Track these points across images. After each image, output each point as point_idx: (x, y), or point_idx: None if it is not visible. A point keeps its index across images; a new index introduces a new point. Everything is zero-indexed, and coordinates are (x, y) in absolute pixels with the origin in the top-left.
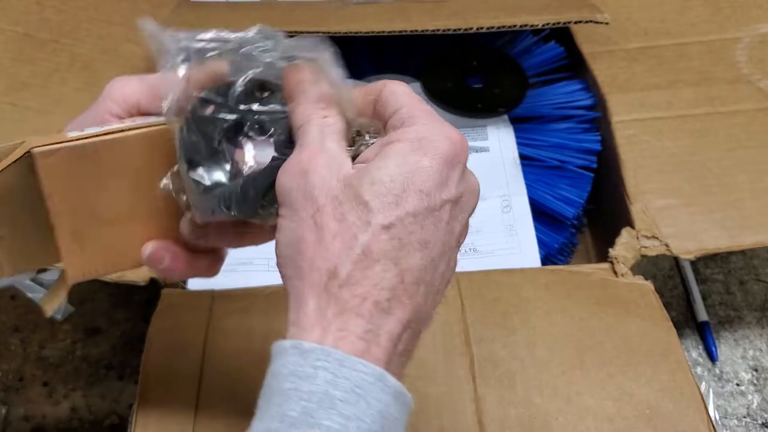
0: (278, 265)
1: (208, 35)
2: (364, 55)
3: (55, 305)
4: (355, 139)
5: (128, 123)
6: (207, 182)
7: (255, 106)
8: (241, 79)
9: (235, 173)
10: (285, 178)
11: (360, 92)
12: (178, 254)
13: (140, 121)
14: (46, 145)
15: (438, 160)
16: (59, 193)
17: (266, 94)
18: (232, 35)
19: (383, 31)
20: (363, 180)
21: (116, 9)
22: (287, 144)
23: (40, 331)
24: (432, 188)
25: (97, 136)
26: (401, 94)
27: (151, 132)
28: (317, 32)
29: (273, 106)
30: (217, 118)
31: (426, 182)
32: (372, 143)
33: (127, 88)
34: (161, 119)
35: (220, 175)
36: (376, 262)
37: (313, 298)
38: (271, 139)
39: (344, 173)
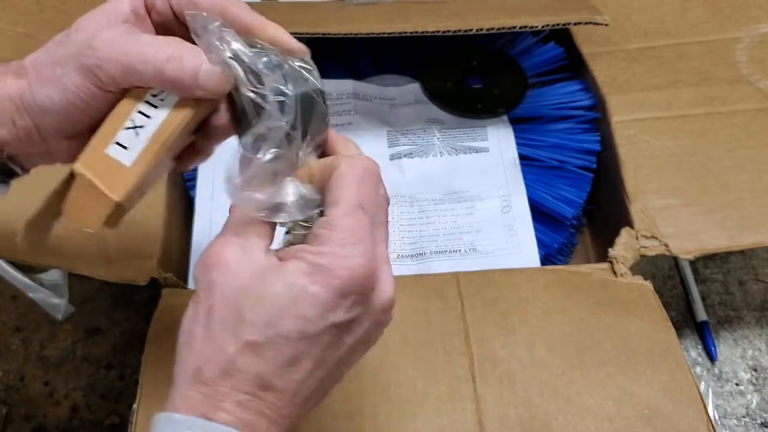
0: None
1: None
2: (364, 56)
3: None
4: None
5: (159, 110)
6: None
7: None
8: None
9: None
10: (196, 268)
11: (318, 166)
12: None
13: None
14: (127, 191)
15: (327, 290)
16: (127, 200)
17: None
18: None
19: (383, 32)
20: (253, 292)
21: None
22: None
23: (41, 331)
24: (314, 315)
25: (153, 157)
26: (346, 184)
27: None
28: (317, 33)
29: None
30: None
31: (308, 309)
32: (306, 228)
33: (108, 69)
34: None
35: None
36: (238, 372)
37: (184, 387)
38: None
39: (249, 269)
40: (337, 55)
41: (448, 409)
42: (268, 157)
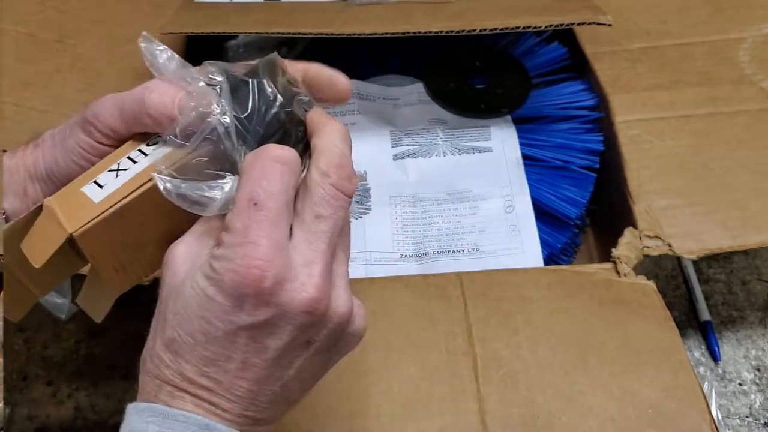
0: None
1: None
2: (367, 56)
3: (104, 313)
4: None
5: (149, 158)
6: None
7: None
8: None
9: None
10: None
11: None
12: None
13: (159, 152)
14: (83, 225)
15: (220, 294)
16: (97, 250)
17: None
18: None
19: (386, 33)
20: (176, 291)
21: (118, 9)
22: None
23: (44, 331)
24: (214, 318)
25: (124, 198)
26: (242, 181)
27: None
28: (320, 34)
29: None
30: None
31: (207, 312)
32: None
33: (103, 115)
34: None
35: None
36: (165, 366)
37: (141, 375)
38: None
39: (187, 267)
40: (340, 56)
41: (451, 409)
42: (193, 145)
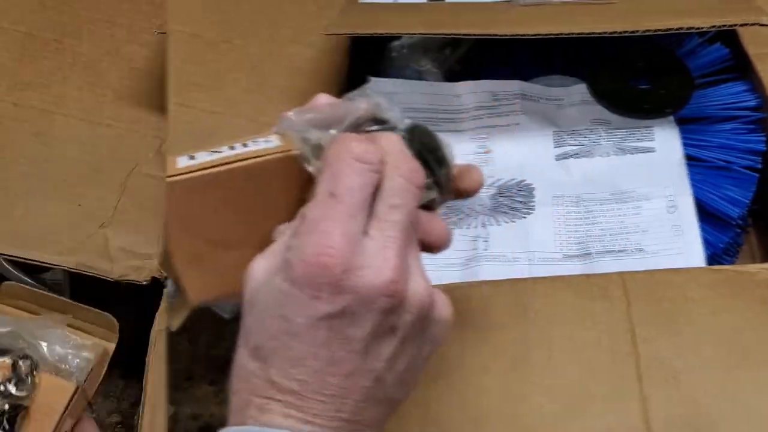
0: None
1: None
2: (530, 57)
3: (178, 322)
4: None
5: (247, 148)
6: None
7: None
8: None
9: None
10: None
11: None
12: None
13: (259, 146)
14: (173, 176)
15: (291, 285)
16: (177, 220)
17: None
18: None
19: (550, 33)
20: (251, 296)
21: (283, 10)
22: None
23: (208, 331)
24: (290, 313)
25: (214, 166)
26: (324, 171)
27: (270, 160)
28: (484, 35)
29: None
30: None
31: (282, 308)
32: None
33: None
34: (275, 144)
35: None
36: (255, 377)
37: (230, 394)
38: None
39: (268, 274)
40: (503, 56)
41: (614, 409)
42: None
